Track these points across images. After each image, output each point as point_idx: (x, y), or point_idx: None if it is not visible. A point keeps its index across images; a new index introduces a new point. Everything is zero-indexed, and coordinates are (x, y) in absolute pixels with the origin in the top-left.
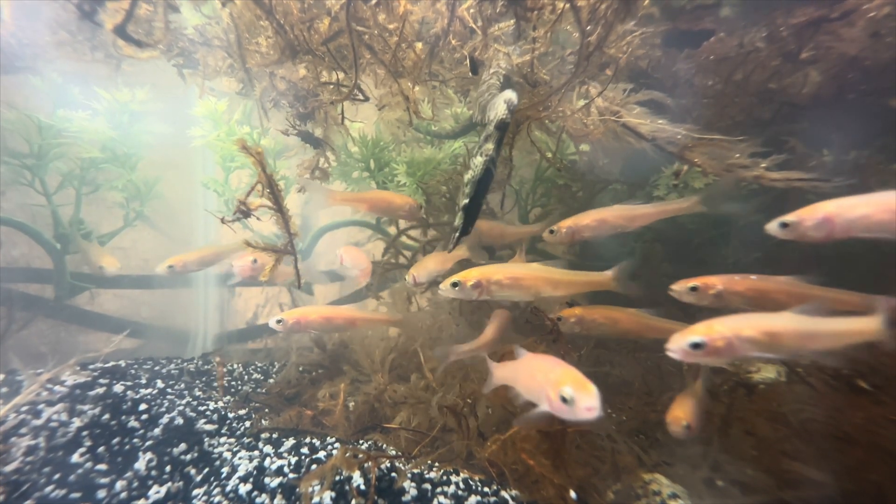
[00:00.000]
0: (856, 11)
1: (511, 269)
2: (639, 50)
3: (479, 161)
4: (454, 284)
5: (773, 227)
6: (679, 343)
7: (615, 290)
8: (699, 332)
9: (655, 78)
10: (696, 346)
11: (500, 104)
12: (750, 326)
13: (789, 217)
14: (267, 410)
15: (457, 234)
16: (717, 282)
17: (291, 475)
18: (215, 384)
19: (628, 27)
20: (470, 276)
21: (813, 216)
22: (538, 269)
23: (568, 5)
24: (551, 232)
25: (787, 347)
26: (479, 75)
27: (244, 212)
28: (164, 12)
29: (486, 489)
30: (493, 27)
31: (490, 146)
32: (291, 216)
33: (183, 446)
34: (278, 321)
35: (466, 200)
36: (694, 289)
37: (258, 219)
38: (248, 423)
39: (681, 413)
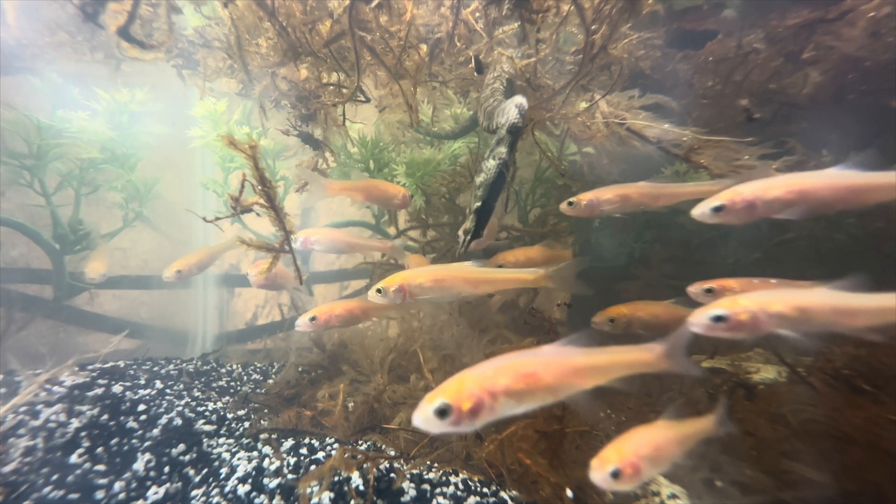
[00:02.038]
0: (853, 12)
1: (432, 270)
2: (639, 51)
3: (491, 164)
4: (379, 291)
5: (703, 211)
6: (701, 316)
7: (552, 289)
8: (723, 305)
9: (654, 79)
10: (718, 319)
11: (512, 108)
12: (779, 301)
13: (721, 201)
14: (266, 411)
15: (468, 238)
16: (734, 285)
17: (290, 476)
18: (214, 384)
19: (633, 28)
20: (393, 281)
21: (742, 198)
22: (460, 268)
23: (573, 7)
24: (570, 204)
25: (821, 324)
26: (484, 76)
27: (237, 210)
28: (166, 13)
29: (485, 490)
30: (498, 30)
31: (503, 150)
32: (287, 214)
33: (182, 447)
34: (312, 319)
35: (478, 203)
36: (710, 291)
37: (258, 214)
38: (247, 424)
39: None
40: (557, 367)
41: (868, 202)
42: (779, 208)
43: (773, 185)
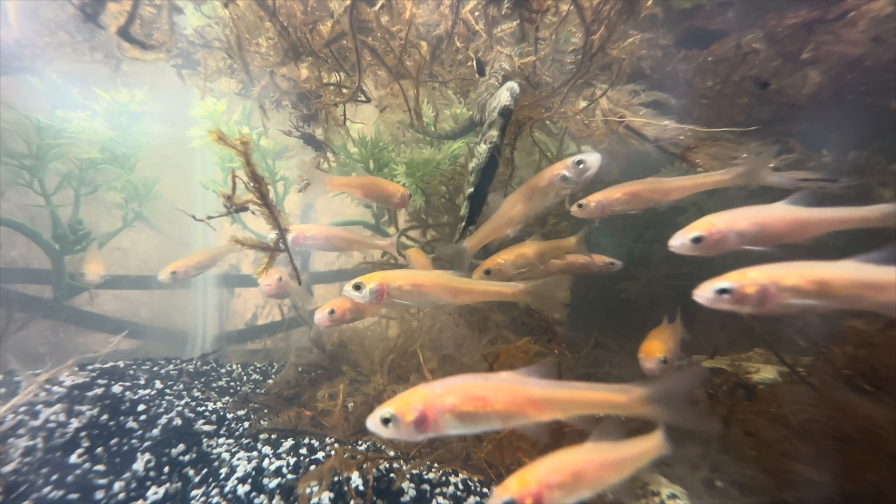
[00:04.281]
0: (854, 12)
1: (413, 274)
2: (641, 50)
3: (483, 149)
4: (356, 287)
5: (682, 242)
6: (706, 289)
7: (529, 305)
8: (730, 277)
9: (654, 79)
10: (723, 291)
11: (504, 92)
12: (794, 274)
13: (699, 232)
14: (266, 411)
15: (463, 224)
16: None
17: (290, 476)
18: (213, 384)
19: (635, 28)
20: (372, 279)
21: (718, 230)
22: (442, 276)
23: (572, 7)
24: (580, 206)
25: (843, 298)
26: (485, 76)
27: (230, 208)
28: (168, 14)
29: (484, 490)
30: (497, 29)
31: (494, 133)
32: (280, 211)
33: (181, 447)
34: (330, 312)
35: (471, 189)
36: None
37: (253, 213)
38: (246, 424)
39: (655, 346)
40: (509, 395)
41: (808, 237)
42: (745, 241)
43: (739, 217)
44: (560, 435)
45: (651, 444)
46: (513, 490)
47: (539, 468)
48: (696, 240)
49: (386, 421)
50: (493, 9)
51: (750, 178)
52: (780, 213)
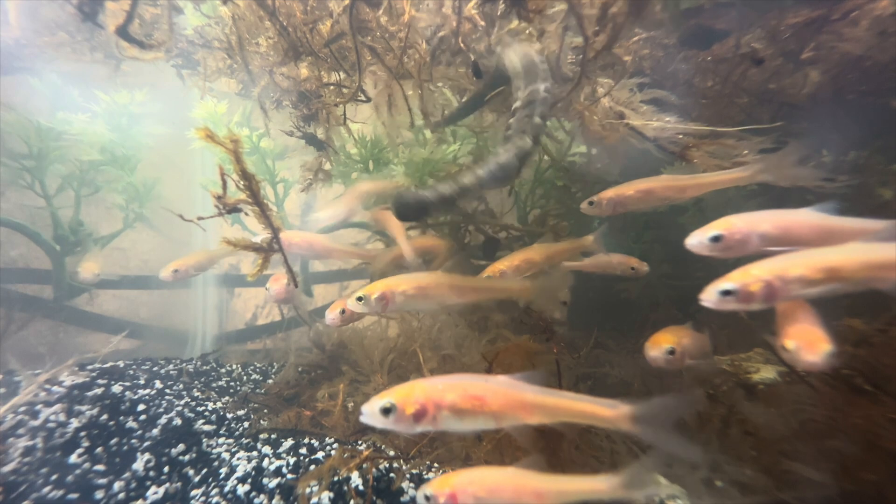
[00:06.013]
0: (857, 12)
1: (415, 279)
2: (644, 50)
3: (510, 158)
4: (359, 299)
5: (700, 241)
6: (710, 292)
7: (532, 304)
8: (732, 277)
9: (654, 79)
10: (727, 293)
11: (539, 87)
12: (800, 264)
13: (719, 230)
14: (266, 411)
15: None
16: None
17: (290, 476)
18: (213, 384)
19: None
20: (374, 289)
21: (739, 230)
22: (444, 277)
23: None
24: (591, 203)
25: (856, 282)
26: (482, 80)
27: (222, 209)
28: (168, 14)
29: None
30: (495, 29)
31: (527, 141)
32: (271, 210)
33: (181, 447)
34: (342, 312)
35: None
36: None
37: (246, 213)
38: (246, 424)
39: (664, 337)
40: (505, 397)
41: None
42: (767, 243)
43: (761, 220)
44: (560, 434)
45: (589, 487)
46: (433, 487)
47: (461, 476)
48: (715, 239)
49: (386, 411)
50: (492, 8)
51: (771, 175)
52: (805, 219)
